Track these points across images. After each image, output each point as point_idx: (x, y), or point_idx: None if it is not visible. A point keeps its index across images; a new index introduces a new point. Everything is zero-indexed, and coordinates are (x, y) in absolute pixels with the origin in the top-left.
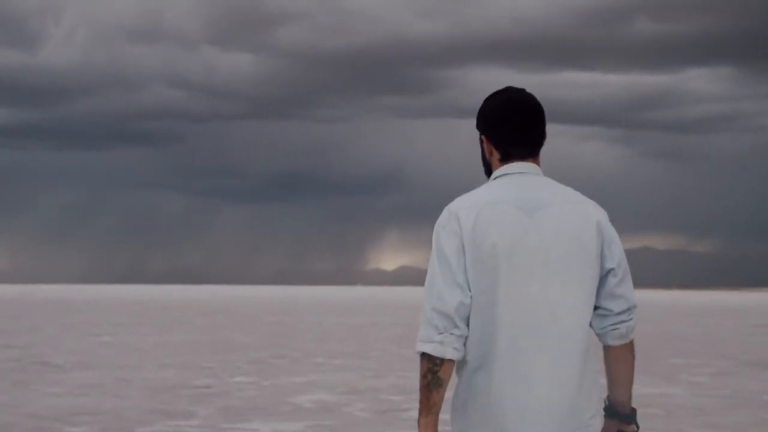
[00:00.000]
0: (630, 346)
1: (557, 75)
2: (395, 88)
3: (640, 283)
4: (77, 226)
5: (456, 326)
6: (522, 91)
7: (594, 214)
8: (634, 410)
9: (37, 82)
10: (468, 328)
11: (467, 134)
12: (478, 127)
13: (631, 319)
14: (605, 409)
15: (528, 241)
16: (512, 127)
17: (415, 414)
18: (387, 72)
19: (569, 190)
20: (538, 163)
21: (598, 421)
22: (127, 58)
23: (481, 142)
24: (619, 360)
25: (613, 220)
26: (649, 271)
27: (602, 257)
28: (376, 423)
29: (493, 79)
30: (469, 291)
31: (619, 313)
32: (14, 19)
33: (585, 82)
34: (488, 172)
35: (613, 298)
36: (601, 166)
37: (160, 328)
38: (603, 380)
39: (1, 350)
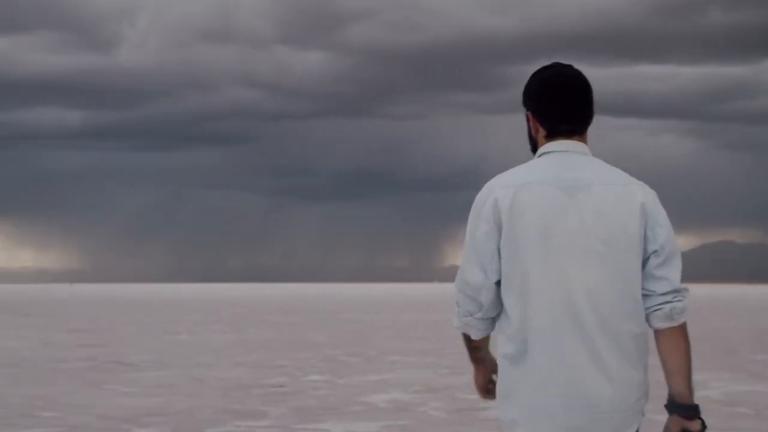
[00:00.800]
0: (680, 331)
1: (629, 68)
2: (467, 84)
3: (719, 276)
4: (156, 226)
5: (480, 309)
6: (570, 66)
7: (639, 195)
8: (696, 405)
9: (114, 84)
10: (495, 309)
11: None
12: (525, 103)
13: (677, 300)
14: (667, 405)
15: (568, 223)
16: (559, 103)
17: (493, 413)
18: (459, 68)
19: (616, 170)
20: (585, 142)
21: (642, 404)
22: (200, 59)
23: (527, 118)
24: (668, 345)
25: (690, 213)
26: (730, 265)
27: (646, 239)
28: (452, 423)
29: None
30: (497, 274)
31: (662, 294)
32: (91, 22)
33: (658, 75)
34: (534, 149)
35: (655, 280)
36: (675, 160)
37: (236, 326)
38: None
39: (77, 349)
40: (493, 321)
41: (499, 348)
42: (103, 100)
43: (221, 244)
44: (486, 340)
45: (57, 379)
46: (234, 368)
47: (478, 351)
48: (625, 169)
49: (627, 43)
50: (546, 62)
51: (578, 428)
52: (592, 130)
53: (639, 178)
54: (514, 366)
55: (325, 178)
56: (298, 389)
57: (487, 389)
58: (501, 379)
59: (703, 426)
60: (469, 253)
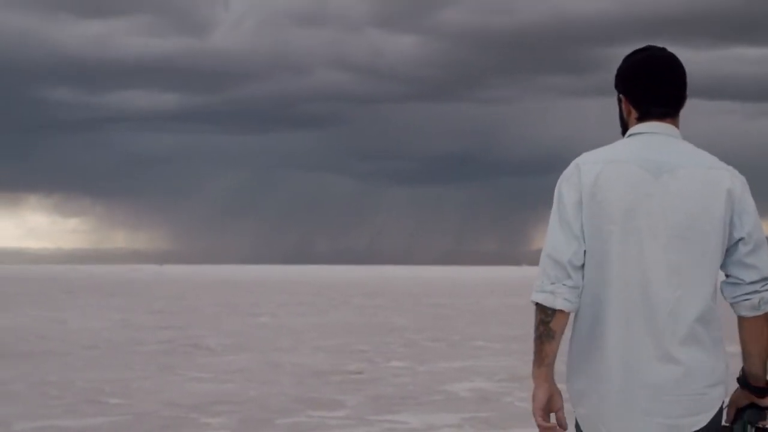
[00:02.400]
0: (764, 319)
1: (727, 51)
2: (559, 67)
3: None
4: (245, 208)
5: (569, 276)
6: (663, 49)
7: (727, 180)
8: None
9: (207, 67)
10: (582, 281)
11: None
12: (617, 86)
13: (766, 290)
14: (739, 379)
15: (650, 203)
16: (652, 85)
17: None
18: (551, 51)
19: (705, 154)
20: (676, 125)
21: (719, 391)
22: (293, 41)
23: (619, 101)
24: (752, 332)
25: None
26: None
27: (731, 225)
28: None
29: None
30: (584, 244)
31: (751, 283)
32: (185, 6)
33: (756, 58)
34: (624, 132)
35: (743, 267)
36: None
37: (320, 308)
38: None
39: (156, 331)
40: (579, 295)
41: (575, 321)
42: (196, 83)
43: (310, 226)
44: (558, 337)
45: (132, 362)
46: (313, 353)
47: (552, 339)
48: (722, 153)
49: (724, 25)
50: (640, 45)
51: (642, 409)
52: (689, 114)
53: (736, 163)
54: (585, 339)
55: (416, 162)
56: (377, 376)
57: (546, 413)
58: (571, 351)
59: None
60: (558, 221)
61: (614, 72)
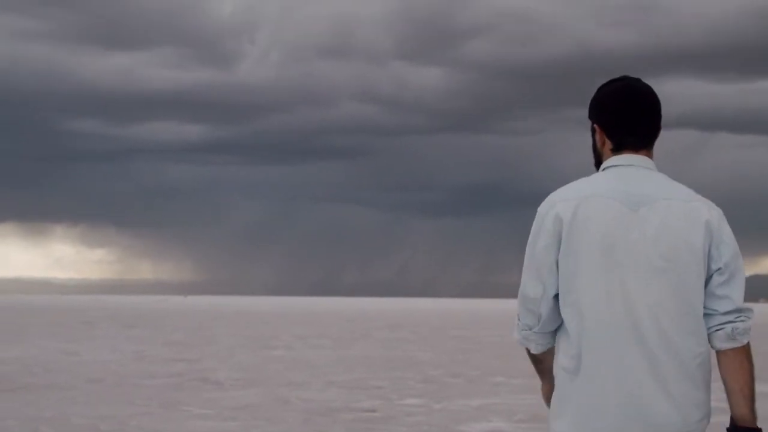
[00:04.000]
0: (742, 352)
1: (753, 84)
2: (584, 99)
3: None
4: (270, 238)
5: (538, 323)
6: (638, 80)
7: (705, 213)
8: (759, 429)
9: (233, 99)
10: (552, 323)
11: (661, 145)
12: (591, 116)
13: (740, 320)
14: (728, 429)
15: (630, 237)
16: (628, 116)
17: None
18: (575, 84)
19: (681, 186)
20: (651, 156)
21: (705, 424)
22: (318, 74)
23: (593, 131)
24: (730, 366)
25: None
26: None
27: (709, 257)
28: None
29: (685, 90)
30: (555, 288)
31: (725, 314)
32: (212, 39)
33: None
34: (598, 163)
35: (717, 299)
36: None
37: (339, 341)
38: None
39: (168, 364)
40: (552, 335)
41: (557, 360)
42: (221, 115)
43: (336, 257)
44: (550, 353)
45: (136, 397)
46: (326, 388)
47: (541, 363)
48: (748, 186)
49: (751, 58)
50: (667, 78)
51: None
52: (715, 147)
53: (763, 195)
54: (570, 379)
55: (442, 194)
56: (390, 415)
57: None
58: (556, 391)
59: None
60: (528, 266)
61: None
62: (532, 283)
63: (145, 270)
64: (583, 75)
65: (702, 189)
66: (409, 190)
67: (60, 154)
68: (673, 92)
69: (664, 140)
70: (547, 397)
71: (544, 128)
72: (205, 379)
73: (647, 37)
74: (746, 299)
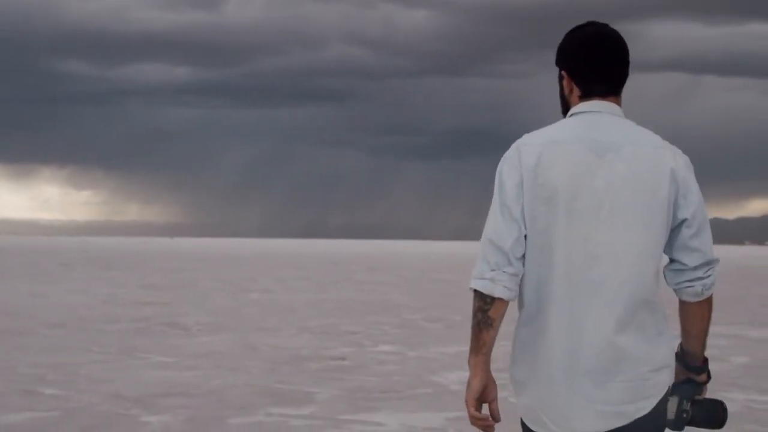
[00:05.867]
0: (706, 303)
1: (743, 27)
2: None
3: None
4: (258, 182)
5: (509, 263)
6: (606, 26)
7: (670, 160)
8: (705, 360)
9: (220, 40)
10: (523, 268)
11: (652, 89)
12: (558, 62)
13: (708, 276)
14: (677, 354)
15: (595, 183)
16: (596, 62)
17: None
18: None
19: (649, 133)
20: (618, 103)
21: (664, 376)
22: (307, 15)
23: (561, 78)
24: (693, 315)
25: None
26: None
27: (676, 206)
28: None
29: (675, 32)
30: (525, 229)
31: (694, 269)
32: None
33: None
34: (565, 110)
35: (687, 251)
36: None
37: (319, 284)
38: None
39: (137, 308)
40: (518, 283)
41: (518, 308)
42: (209, 56)
43: (324, 200)
44: (502, 315)
45: (94, 343)
46: (297, 334)
47: (491, 327)
48: (737, 129)
49: (741, 1)
50: (657, 21)
51: (584, 397)
52: (704, 90)
53: (751, 139)
54: (528, 326)
55: (431, 137)
56: (360, 363)
57: (479, 403)
58: (514, 339)
59: (708, 377)
60: (499, 206)
61: (630, 49)
62: (505, 221)
63: (132, 212)
64: (576, 17)
65: (690, 132)
66: (398, 133)
67: (47, 96)
68: (662, 35)
69: (652, 83)
70: (475, 393)
71: (535, 71)
72: (173, 324)
73: None
74: (732, 242)
